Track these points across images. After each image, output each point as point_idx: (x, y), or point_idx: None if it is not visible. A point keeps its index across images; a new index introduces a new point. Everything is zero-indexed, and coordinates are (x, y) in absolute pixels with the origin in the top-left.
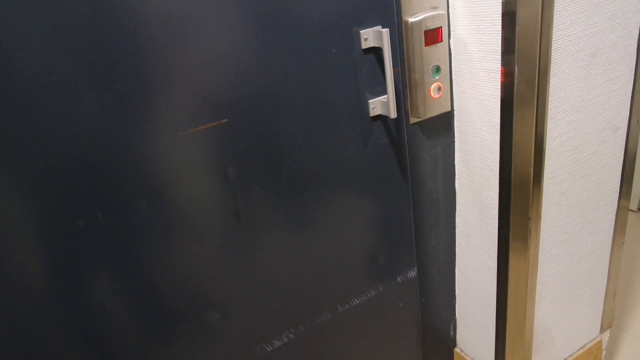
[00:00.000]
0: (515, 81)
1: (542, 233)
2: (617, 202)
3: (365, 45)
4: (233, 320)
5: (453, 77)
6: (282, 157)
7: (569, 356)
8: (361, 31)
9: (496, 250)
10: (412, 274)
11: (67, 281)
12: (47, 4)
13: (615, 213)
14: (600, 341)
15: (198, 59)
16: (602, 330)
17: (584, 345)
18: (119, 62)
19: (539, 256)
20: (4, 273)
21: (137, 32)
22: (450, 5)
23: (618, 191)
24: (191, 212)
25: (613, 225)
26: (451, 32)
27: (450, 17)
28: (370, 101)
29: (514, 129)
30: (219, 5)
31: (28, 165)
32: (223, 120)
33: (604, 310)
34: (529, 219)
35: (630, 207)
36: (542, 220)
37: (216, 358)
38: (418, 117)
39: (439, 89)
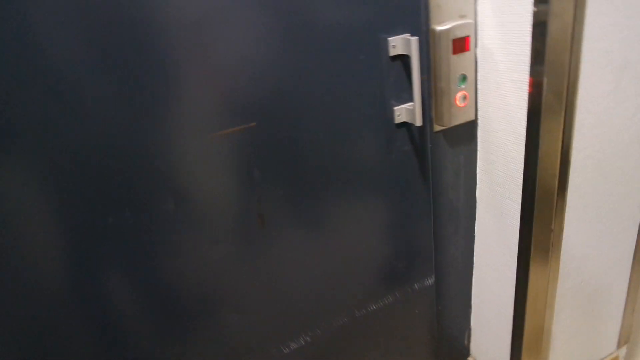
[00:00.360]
0: (544, 92)
1: (563, 246)
2: (639, 217)
3: (393, 52)
4: (251, 321)
5: (478, 86)
6: (307, 161)
7: None
8: (389, 39)
9: (515, 260)
10: (430, 281)
11: (94, 275)
12: (80, 8)
13: (637, 228)
14: (617, 357)
15: (229, 63)
16: (619, 346)
17: None
18: (152, 64)
19: (560, 269)
20: (37, 266)
21: (170, 35)
22: (478, 14)
23: None
24: (216, 212)
25: (635, 240)
26: (478, 42)
27: (478, 27)
28: (395, 108)
29: (540, 140)
30: (250, 10)
31: (61, 163)
32: (251, 124)
33: (622, 326)
34: (552, 231)
35: None
36: (564, 233)
37: (233, 358)
38: (442, 125)
39: (465, 97)
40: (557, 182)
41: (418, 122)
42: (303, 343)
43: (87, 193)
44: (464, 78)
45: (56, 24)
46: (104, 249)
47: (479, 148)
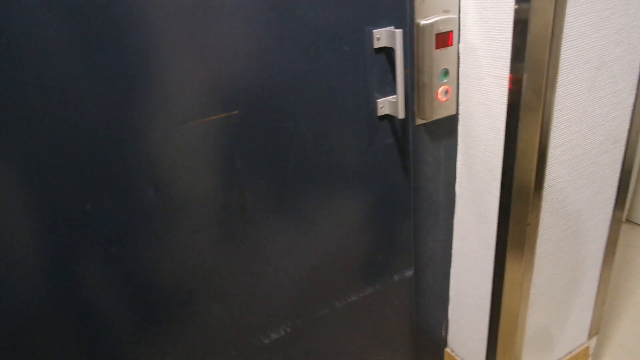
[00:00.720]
0: (523, 88)
1: (539, 239)
2: (611, 213)
3: (377, 44)
4: (231, 311)
5: (460, 81)
6: (289, 152)
7: None
8: (374, 30)
9: (493, 254)
10: (409, 273)
11: (72, 262)
12: None
13: (609, 223)
14: (588, 347)
15: (211, 50)
16: (589, 337)
17: (572, 351)
18: (132, 47)
19: (535, 262)
20: (14, 252)
21: (151, 18)
22: (462, 10)
23: (613, 202)
24: (196, 201)
25: (606, 235)
26: (461, 37)
27: (461, 22)
28: (378, 100)
29: (518, 135)
30: None
31: (39, 149)
32: (233, 112)
33: (592, 317)
34: (528, 224)
35: None
36: (540, 227)
37: (213, 348)
38: (424, 119)
39: (446, 92)
40: (534, 177)
41: (401, 115)
42: (283, 333)
43: (64, 179)
44: (446, 72)
45: (30, 4)
46: (81, 235)
47: (459, 142)
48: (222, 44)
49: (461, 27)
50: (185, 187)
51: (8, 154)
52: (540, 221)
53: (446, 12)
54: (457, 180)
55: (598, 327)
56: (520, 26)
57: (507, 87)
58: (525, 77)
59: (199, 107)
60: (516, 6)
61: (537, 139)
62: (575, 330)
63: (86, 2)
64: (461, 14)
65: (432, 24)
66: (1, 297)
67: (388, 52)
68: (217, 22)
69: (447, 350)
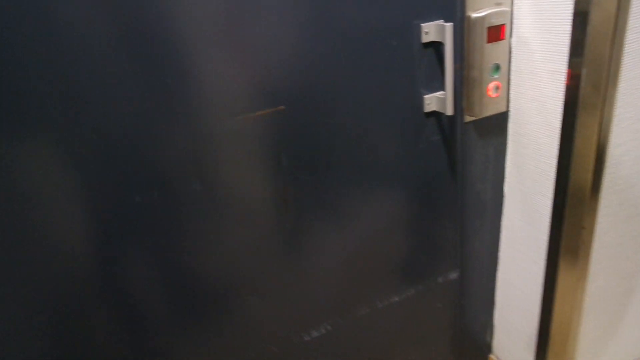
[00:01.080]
0: (582, 84)
1: (595, 244)
2: None
3: (425, 39)
4: (273, 307)
5: (511, 76)
6: (334, 148)
7: None
8: (422, 24)
9: (544, 258)
10: (454, 275)
11: (121, 252)
12: None
13: None
14: None
15: (259, 45)
16: None
17: None
18: (182, 43)
19: (590, 268)
20: (67, 243)
21: (199, 13)
22: (515, 2)
23: None
24: (241, 195)
25: None
26: (514, 30)
27: (514, 15)
28: (425, 97)
29: (575, 134)
30: None
31: (92, 143)
32: (280, 107)
33: None
34: (583, 228)
35: None
36: (596, 231)
37: (254, 343)
38: (473, 116)
39: (497, 88)
40: (591, 178)
41: (449, 112)
42: (324, 331)
43: (115, 172)
44: (497, 68)
45: (84, 6)
46: (131, 227)
47: (509, 140)
48: (269, 39)
49: (514, 20)
50: (231, 181)
51: (62, 146)
52: (597, 225)
53: (498, 4)
54: (506, 180)
55: None
56: (580, 18)
57: (564, 82)
58: (584, 72)
59: (247, 102)
60: None
61: (596, 137)
62: (632, 341)
63: (139, 2)
64: (514, 6)
65: (483, 17)
66: (53, 286)
67: (437, 46)
68: (265, 17)
69: (492, 357)
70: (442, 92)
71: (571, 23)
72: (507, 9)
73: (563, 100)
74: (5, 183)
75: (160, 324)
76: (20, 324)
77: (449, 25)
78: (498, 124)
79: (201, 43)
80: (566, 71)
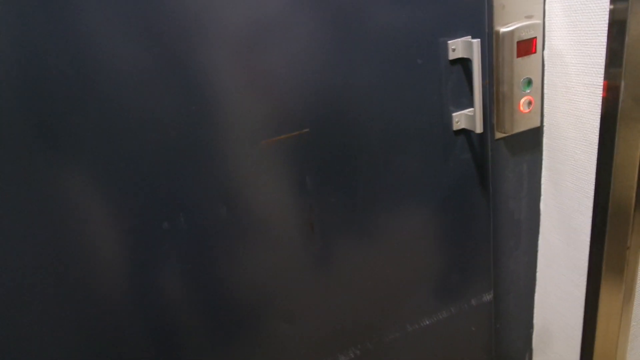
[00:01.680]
0: (620, 97)
1: None
2: None
3: (452, 56)
4: (300, 331)
5: (545, 91)
6: (360, 169)
7: None
8: (449, 41)
9: (584, 279)
10: (488, 297)
11: (148, 278)
12: (129, 16)
13: None
14: None
15: (282, 69)
16: None
17: None
18: (205, 69)
19: (636, 290)
20: (95, 272)
21: (222, 40)
22: (547, 14)
23: None
24: (268, 219)
25: None
26: (546, 43)
27: (546, 27)
28: (454, 114)
29: (615, 148)
30: (305, 14)
31: (119, 170)
32: (304, 130)
33: None
34: (628, 248)
35: None
36: None
37: None
38: (504, 133)
39: (529, 103)
40: (634, 195)
41: (478, 129)
42: (352, 356)
43: (143, 199)
44: (529, 82)
45: (111, 33)
46: (159, 252)
47: (544, 157)
48: (292, 62)
49: (546, 33)
50: (257, 206)
51: (88, 175)
52: None
53: (529, 17)
54: (542, 197)
55: None
56: (617, 28)
57: (601, 95)
58: (622, 84)
59: (271, 126)
60: (611, 6)
61: (638, 152)
62: None
63: (163, 28)
64: (546, 19)
65: (512, 31)
66: (82, 311)
67: (464, 63)
68: (287, 41)
69: None
70: (470, 110)
71: (607, 33)
72: (539, 21)
73: (600, 114)
74: (40, 212)
75: (189, 351)
76: (55, 347)
77: (476, 42)
78: (532, 140)
79: (224, 70)
80: (603, 83)
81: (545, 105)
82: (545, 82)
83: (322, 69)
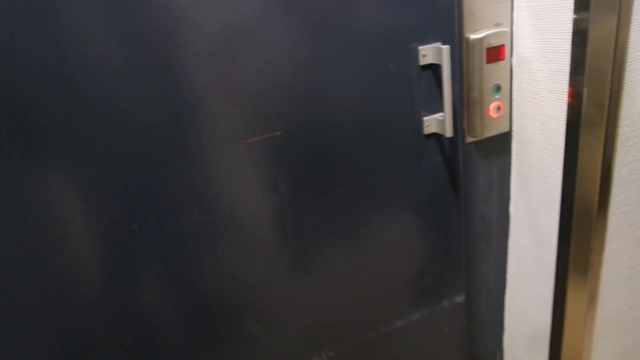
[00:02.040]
0: (584, 103)
1: (604, 266)
2: None
3: (423, 61)
4: (273, 333)
5: (514, 96)
6: (333, 172)
7: None
8: (420, 47)
9: (552, 280)
10: (460, 299)
11: (119, 280)
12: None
13: None
14: None
15: (254, 72)
16: None
17: None
18: (177, 71)
19: (600, 291)
20: (66, 271)
21: (195, 43)
22: (514, 22)
23: None
24: (240, 221)
25: None
26: (514, 50)
27: (514, 35)
28: (425, 119)
29: (579, 153)
30: (278, 18)
31: (87, 170)
32: (277, 133)
33: None
34: (591, 250)
35: None
36: (605, 253)
37: None
38: (474, 137)
39: (499, 108)
40: (597, 198)
41: (448, 133)
42: (326, 358)
43: (111, 200)
44: (497, 88)
45: (84, 31)
46: (129, 254)
47: (513, 161)
48: (264, 66)
49: (514, 40)
50: (230, 207)
51: (55, 176)
52: (606, 246)
53: (498, 25)
54: (511, 201)
55: None
56: (580, 37)
57: (566, 102)
58: (585, 91)
59: (243, 128)
60: (575, 16)
61: (600, 157)
62: None
63: (139, 29)
64: (514, 27)
65: (482, 38)
66: (50, 313)
67: (435, 68)
68: (260, 45)
69: None
70: (441, 114)
71: (571, 42)
72: (507, 29)
73: (566, 119)
74: (6, 212)
75: (161, 353)
76: (21, 348)
77: (445, 48)
78: (501, 145)
79: (196, 72)
80: (568, 90)
81: (513, 111)
82: (513, 88)
83: (294, 72)
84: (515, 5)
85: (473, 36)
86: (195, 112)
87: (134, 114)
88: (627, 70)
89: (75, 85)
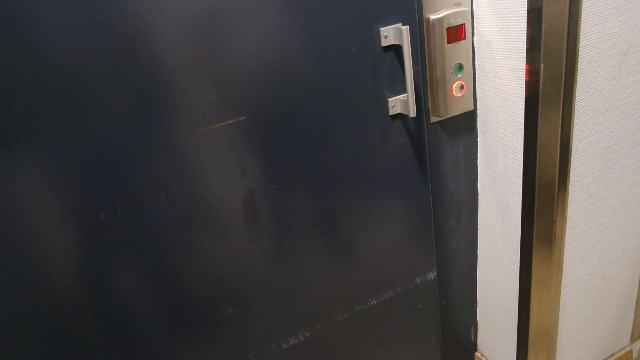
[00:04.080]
0: (541, 80)
1: (567, 237)
2: None
3: (385, 43)
4: (249, 316)
5: (477, 75)
6: (299, 155)
7: None
8: (381, 29)
9: (519, 253)
10: (431, 275)
11: (89, 271)
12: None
13: None
14: (630, 351)
15: (216, 56)
16: (632, 340)
17: (612, 355)
18: (138, 59)
19: (564, 261)
20: (32, 263)
21: (156, 29)
22: (474, 1)
23: None
24: (208, 207)
25: None
26: (475, 30)
27: (475, 14)
28: (389, 100)
29: (538, 129)
30: (238, 3)
31: (50, 161)
32: (241, 118)
33: (634, 319)
34: (554, 222)
35: None
36: (567, 224)
37: (231, 354)
38: (439, 116)
39: (462, 87)
40: (557, 172)
41: (412, 114)
42: (302, 338)
43: (76, 191)
44: (460, 67)
45: (39, 19)
46: (97, 245)
47: (479, 139)
48: (224, 49)
49: (475, 20)
50: (197, 194)
51: (22, 166)
52: (568, 218)
53: (457, 4)
54: (479, 178)
55: None
56: (534, 14)
57: (524, 79)
58: (542, 67)
59: (206, 115)
60: None
61: (559, 131)
62: (615, 333)
63: (98, 15)
64: (474, 6)
65: (442, 18)
66: (18, 307)
67: (397, 49)
68: (218, 26)
69: (477, 354)
70: (405, 95)
71: (526, 20)
72: (467, 8)
73: (524, 96)
74: None
75: (135, 339)
76: None
77: (405, 28)
78: (466, 123)
79: (158, 58)
80: (525, 67)
81: (477, 89)
82: (476, 67)
83: (256, 57)
84: None
85: (433, 16)
86: (159, 99)
87: (97, 102)
88: (580, 46)
89: (37, 75)
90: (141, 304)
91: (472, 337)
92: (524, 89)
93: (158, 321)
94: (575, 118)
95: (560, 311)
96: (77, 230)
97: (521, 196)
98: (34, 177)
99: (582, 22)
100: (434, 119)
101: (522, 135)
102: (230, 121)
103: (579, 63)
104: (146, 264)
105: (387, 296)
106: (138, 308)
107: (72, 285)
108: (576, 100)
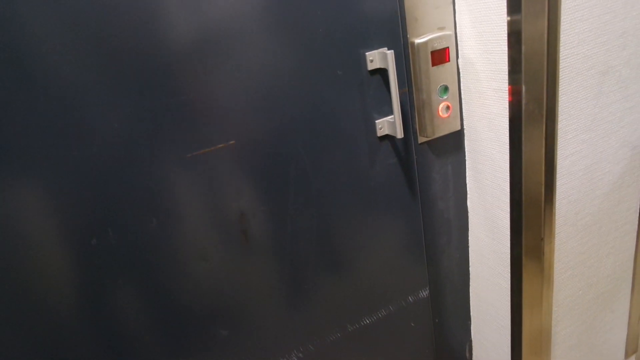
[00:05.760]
0: (523, 100)
1: (556, 254)
2: (637, 222)
3: (371, 66)
4: (241, 338)
5: (462, 96)
6: (288, 177)
7: None
8: (367, 53)
9: (509, 270)
10: (424, 293)
11: (81, 296)
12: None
13: (636, 232)
14: None
15: (205, 82)
16: (626, 356)
17: None
18: (129, 85)
19: (554, 277)
20: (25, 287)
21: (147, 56)
22: (457, 25)
23: (638, 210)
24: (199, 230)
25: (634, 246)
26: (459, 52)
27: (458, 37)
28: (377, 121)
29: (523, 148)
30: (227, 29)
31: (41, 185)
32: (230, 142)
33: (628, 335)
34: (542, 239)
35: None
36: (555, 241)
37: None
38: (427, 137)
39: (447, 108)
40: (543, 190)
41: (399, 135)
42: (295, 359)
43: (68, 216)
44: (445, 89)
45: (34, 42)
46: (89, 269)
47: (467, 158)
48: (213, 75)
49: (459, 43)
50: (188, 217)
51: (13, 189)
52: (556, 235)
53: (441, 29)
54: (468, 196)
55: (636, 345)
56: (514, 37)
57: (507, 99)
58: (524, 88)
59: (196, 140)
60: (509, 18)
61: (543, 150)
62: (608, 348)
63: (89, 39)
64: (457, 29)
65: (426, 42)
66: (12, 332)
67: (383, 73)
68: (209, 52)
69: None
70: (392, 116)
71: (507, 42)
72: (450, 32)
73: (508, 116)
74: None
75: None
76: None
77: (390, 53)
78: (454, 143)
79: (150, 84)
80: (508, 88)
81: (463, 110)
82: (462, 88)
83: (245, 82)
84: (457, 8)
85: (418, 40)
86: (150, 124)
87: (88, 126)
88: (561, 67)
89: (27, 98)
90: (133, 326)
91: (467, 355)
92: (508, 109)
93: (150, 344)
94: (558, 137)
95: (553, 328)
96: (69, 254)
97: (509, 213)
98: (26, 201)
99: (561, 44)
100: (422, 139)
101: (508, 154)
102: (220, 145)
103: (560, 83)
104: (138, 286)
105: (380, 315)
106: (130, 331)
107: (64, 310)
108: (559, 119)
